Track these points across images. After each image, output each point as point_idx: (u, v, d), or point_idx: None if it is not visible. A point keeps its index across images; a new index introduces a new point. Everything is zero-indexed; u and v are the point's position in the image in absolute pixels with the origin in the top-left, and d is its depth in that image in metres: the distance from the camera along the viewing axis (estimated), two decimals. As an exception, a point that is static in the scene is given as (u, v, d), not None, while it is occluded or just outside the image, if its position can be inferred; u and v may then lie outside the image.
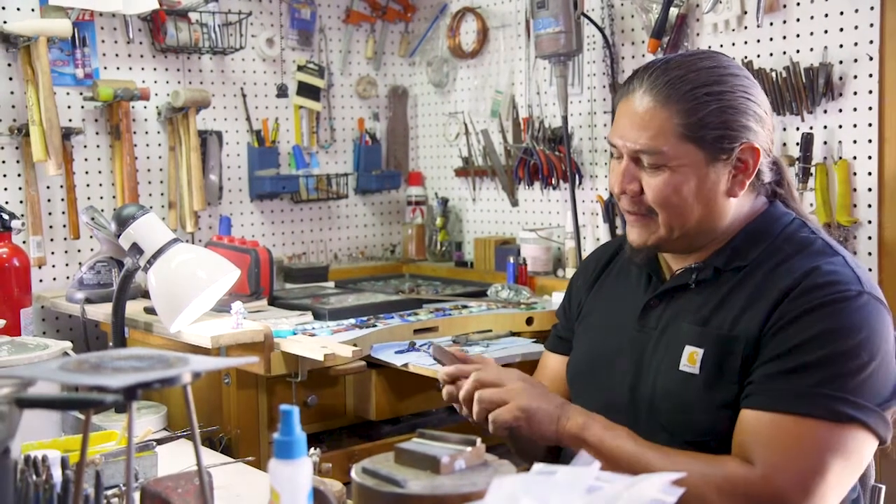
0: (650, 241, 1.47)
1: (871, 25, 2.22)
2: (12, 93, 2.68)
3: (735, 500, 1.29)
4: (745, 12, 2.45)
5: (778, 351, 1.33)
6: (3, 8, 2.66)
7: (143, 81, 2.87)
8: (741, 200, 1.46)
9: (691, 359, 1.40)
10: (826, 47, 2.29)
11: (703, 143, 1.39)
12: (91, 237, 2.75)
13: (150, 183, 2.93)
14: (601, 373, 1.54)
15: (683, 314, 1.45)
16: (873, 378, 1.30)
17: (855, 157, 2.27)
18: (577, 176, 2.88)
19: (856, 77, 2.26)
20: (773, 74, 2.36)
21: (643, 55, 2.71)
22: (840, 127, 2.29)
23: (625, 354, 1.51)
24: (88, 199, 2.81)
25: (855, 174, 2.28)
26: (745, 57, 2.43)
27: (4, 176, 2.68)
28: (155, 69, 2.92)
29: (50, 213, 2.76)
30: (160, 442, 1.63)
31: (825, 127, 2.32)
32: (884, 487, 1.55)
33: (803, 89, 2.32)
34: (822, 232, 1.48)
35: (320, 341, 2.13)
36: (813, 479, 1.27)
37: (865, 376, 1.30)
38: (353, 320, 2.37)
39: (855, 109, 2.26)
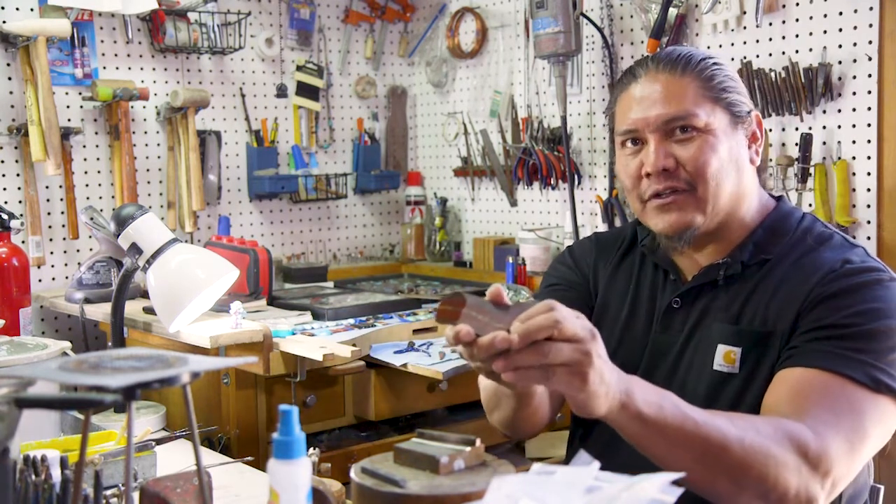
0: (686, 221, 1.41)
1: (871, 26, 2.22)
2: (11, 92, 2.68)
3: (792, 452, 1.22)
4: (745, 12, 2.45)
5: (818, 323, 1.33)
6: (3, 8, 2.65)
7: (143, 81, 2.87)
8: (752, 188, 1.47)
9: (727, 358, 1.39)
10: (825, 47, 2.29)
11: (725, 105, 1.44)
12: (90, 237, 2.75)
13: (149, 183, 2.93)
14: None
15: (712, 313, 1.44)
16: None
17: (854, 158, 2.27)
18: (576, 176, 2.88)
19: (855, 77, 2.26)
20: (773, 75, 2.36)
21: (642, 55, 2.71)
22: (839, 127, 2.29)
23: (649, 357, 1.48)
24: (87, 198, 2.81)
25: (854, 174, 2.28)
26: (745, 57, 2.43)
27: (3, 176, 2.68)
28: (154, 69, 2.92)
29: (49, 213, 2.76)
30: (159, 442, 1.62)
31: (824, 127, 2.32)
32: (882, 488, 1.55)
33: (802, 89, 2.32)
34: (832, 227, 1.52)
35: (319, 341, 2.13)
36: (856, 440, 1.27)
37: None
38: (352, 320, 2.37)
39: (854, 110, 2.26)
